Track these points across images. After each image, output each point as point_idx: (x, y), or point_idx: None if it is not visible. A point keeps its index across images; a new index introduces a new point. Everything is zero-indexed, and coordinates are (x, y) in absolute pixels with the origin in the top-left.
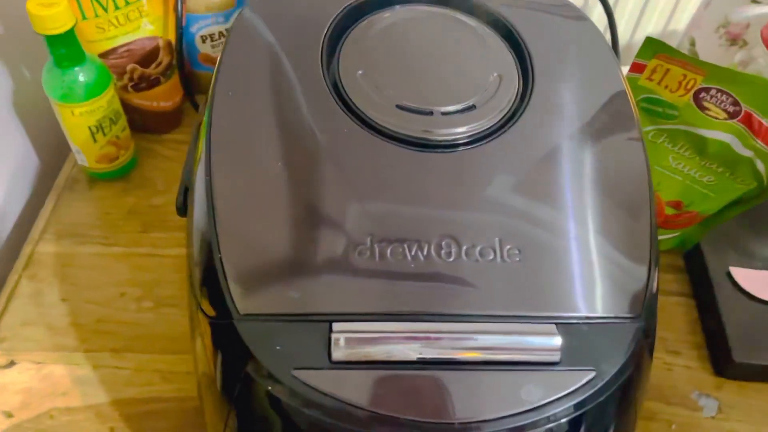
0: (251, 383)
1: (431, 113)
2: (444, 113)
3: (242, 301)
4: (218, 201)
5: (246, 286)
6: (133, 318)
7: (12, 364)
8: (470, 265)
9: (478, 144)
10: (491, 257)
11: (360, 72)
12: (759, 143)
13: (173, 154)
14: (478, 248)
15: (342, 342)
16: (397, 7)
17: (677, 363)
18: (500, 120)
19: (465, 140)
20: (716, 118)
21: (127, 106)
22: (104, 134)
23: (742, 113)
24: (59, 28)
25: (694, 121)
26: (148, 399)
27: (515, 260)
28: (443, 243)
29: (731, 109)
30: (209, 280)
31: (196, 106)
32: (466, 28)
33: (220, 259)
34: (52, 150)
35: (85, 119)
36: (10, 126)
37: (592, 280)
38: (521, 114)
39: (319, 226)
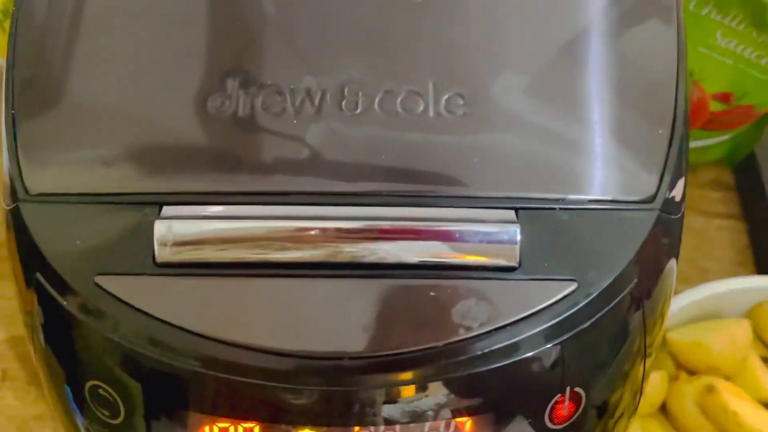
0: (43, 293)
1: None
2: None
3: (33, 175)
4: (20, 39)
5: (42, 155)
6: None
7: None
8: (385, 120)
9: None
10: (420, 109)
11: None
12: None
13: None
14: (401, 96)
15: (172, 235)
16: None
17: None
18: None
19: None
20: None
21: None
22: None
23: None
24: None
25: None
26: None
27: (457, 115)
28: (346, 88)
29: None
30: (6, 151)
31: None
32: None
33: (12, 115)
34: None
35: None
36: None
37: (579, 146)
38: None
39: (156, 66)
